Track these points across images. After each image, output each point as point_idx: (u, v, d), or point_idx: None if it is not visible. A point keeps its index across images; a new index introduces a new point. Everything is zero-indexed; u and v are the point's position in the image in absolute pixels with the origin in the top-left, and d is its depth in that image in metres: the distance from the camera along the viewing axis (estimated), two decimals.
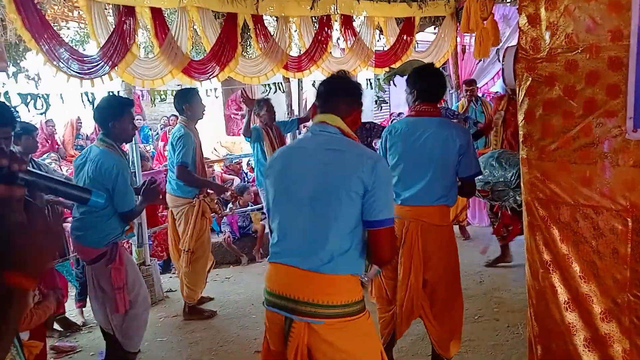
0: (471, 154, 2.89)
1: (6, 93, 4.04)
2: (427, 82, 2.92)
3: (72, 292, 4.58)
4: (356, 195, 1.90)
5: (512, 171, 3.87)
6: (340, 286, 1.93)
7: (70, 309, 4.51)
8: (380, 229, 1.93)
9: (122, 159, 3.19)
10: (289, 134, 5.72)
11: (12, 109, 4.09)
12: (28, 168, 1.20)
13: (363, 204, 1.91)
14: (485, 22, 2.89)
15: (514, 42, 6.61)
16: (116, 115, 3.16)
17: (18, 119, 3.18)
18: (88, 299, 4.38)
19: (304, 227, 1.96)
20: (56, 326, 4.28)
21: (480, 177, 3.81)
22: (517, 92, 2.26)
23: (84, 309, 4.48)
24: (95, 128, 8.82)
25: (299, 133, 6.10)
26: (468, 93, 6.19)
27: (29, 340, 2.41)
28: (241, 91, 5.37)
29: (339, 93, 2.10)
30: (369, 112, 10.71)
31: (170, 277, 5.49)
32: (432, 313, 3.00)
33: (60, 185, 1.28)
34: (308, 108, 5.64)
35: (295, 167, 2.02)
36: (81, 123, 8.70)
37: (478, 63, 7.39)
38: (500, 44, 6.74)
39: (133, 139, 4.11)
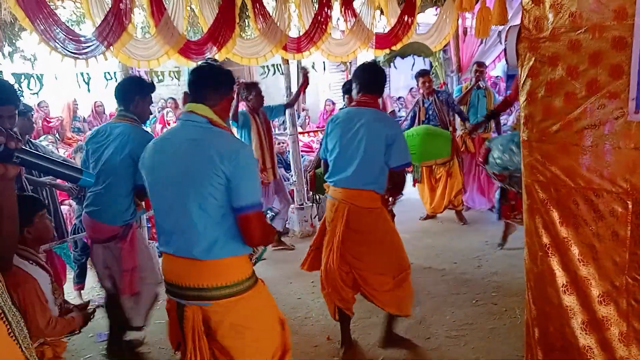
0: (400, 145, 3.03)
1: (0, 72, 3.99)
2: (368, 77, 3.15)
3: (70, 274, 4.57)
4: (219, 184, 1.96)
5: None
6: (221, 269, 2.04)
7: (69, 292, 4.50)
8: (246, 214, 1.99)
9: (149, 134, 3.19)
10: (275, 120, 5.73)
11: (16, 90, 4.05)
12: (23, 147, 1.22)
13: (228, 191, 1.98)
14: (488, 1, 2.84)
15: (514, 23, 6.53)
16: (143, 93, 3.14)
17: (22, 96, 3.16)
18: (87, 282, 4.39)
19: (177, 219, 2.04)
20: None
21: (498, 161, 3.95)
22: (520, 72, 2.22)
23: (82, 291, 4.48)
24: (92, 110, 8.77)
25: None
26: (477, 74, 6.13)
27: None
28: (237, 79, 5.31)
29: (208, 82, 2.12)
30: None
31: None
32: (368, 290, 3.19)
33: (53, 164, 1.31)
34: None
35: (162, 161, 2.08)
36: (77, 105, 8.63)
37: (479, 45, 7.31)
38: (502, 26, 6.68)
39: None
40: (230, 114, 5.02)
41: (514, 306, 3.86)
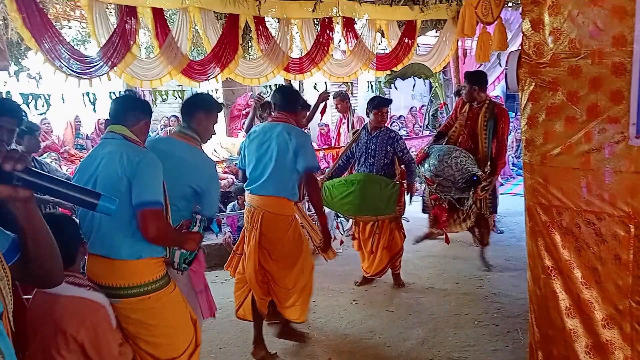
0: (307, 151, 3.33)
1: (8, 92, 4.04)
2: (281, 97, 3.50)
3: None
4: (126, 189, 2.18)
5: (462, 175, 4.40)
6: (132, 270, 2.23)
7: None
8: (141, 211, 2.16)
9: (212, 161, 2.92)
10: None
11: (21, 107, 4.09)
12: (28, 167, 1.13)
13: (130, 192, 2.20)
14: (488, 26, 2.90)
15: (515, 46, 6.61)
16: (208, 109, 2.85)
17: (25, 117, 3.14)
18: None
19: (95, 222, 2.25)
20: None
21: (432, 167, 4.50)
22: (520, 97, 2.25)
23: None
24: (95, 127, 8.82)
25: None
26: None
27: None
28: (259, 95, 5.34)
29: (126, 107, 2.45)
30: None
31: None
32: (276, 300, 3.50)
33: (64, 187, 1.17)
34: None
35: (90, 174, 2.31)
36: (80, 122, 8.67)
37: (479, 67, 7.39)
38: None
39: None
40: (246, 126, 5.12)
41: (516, 327, 3.84)
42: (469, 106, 4.77)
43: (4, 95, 4.01)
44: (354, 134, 4.85)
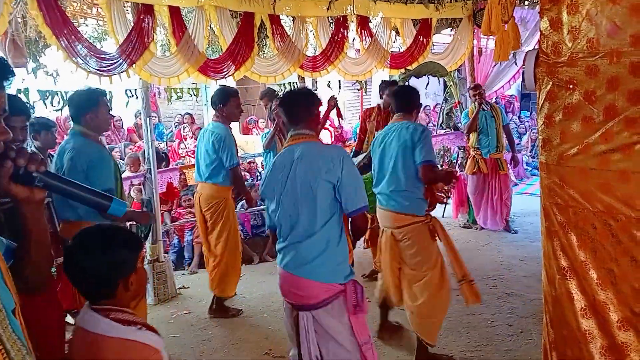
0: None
1: (26, 89, 4.10)
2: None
3: None
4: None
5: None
6: None
7: None
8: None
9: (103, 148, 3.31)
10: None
11: (28, 102, 4.15)
12: (47, 170, 1.17)
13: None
14: (505, 25, 2.87)
15: (531, 45, 6.54)
16: (91, 106, 3.10)
17: (32, 112, 3.22)
18: None
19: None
20: (71, 320, 4.33)
21: None
22: (537, 96, 2.24)
23: None
24: (111, 124, 8.91)
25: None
26: (476, 98, 6.15)
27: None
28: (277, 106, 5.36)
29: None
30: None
31: (183, 273, 5.52)
32: None
33: (80, 190, 1.24)
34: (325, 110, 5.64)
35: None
36: None
37: (494, 66, 7.34)
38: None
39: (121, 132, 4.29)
40: (265, 143, 5.19)
41: (529, 328, 3.83)
42: (377, 112, 5.17)
43: (22, 92, 4.07)
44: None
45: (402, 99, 3.59)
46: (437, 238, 3.41)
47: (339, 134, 9.46)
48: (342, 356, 2.34)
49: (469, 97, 6.94)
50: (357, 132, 5.42)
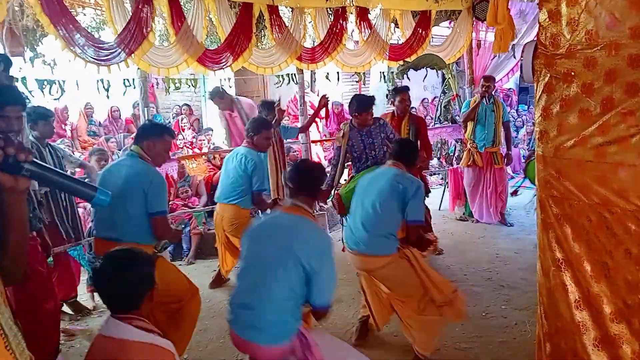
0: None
1: (24, 78, 4.08)
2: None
3: (84, 276, 4.63)
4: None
5: None
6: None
7: (82, 293, 4.56)
8: (154, 218, 3.09)
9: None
10: (287, 140, 5.77)
11: (26, 92, 4.14)
12: (34, 159, 1.19)
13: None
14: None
15: (531, 38, 6.52)
16: (155, 135, 3.14)
17: (28, 102, 3.18)
18: None
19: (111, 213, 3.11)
20: (67, 309, 4.34)
21: None
22: (535, 88, 2.24)
23: (95, 293, 4.53)
24: (108, 115, 8.89)
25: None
26: (484, 89, 6.12)
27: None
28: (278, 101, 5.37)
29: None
30: (380, 106, 10.66)
31: (180, 264, 5.53)
32: None
33: (66, 179, 1.26)
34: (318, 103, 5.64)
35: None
36: (92, 109, 8.75)
37: (493, 58, 7.32)
38: (516, 40, 6.69)
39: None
40: None
41: (524, 320, 3.85)
42: (391, 118, 5.21)
43: (19, 81, 4.05)
44: (342, 136, 4.67)
45: (406, 151, 3.50)
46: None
47: (339, 112, 9.52)
48: None
49: (471, 88, 6.94)
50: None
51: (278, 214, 2.59)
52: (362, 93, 7.25)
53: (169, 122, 9.31)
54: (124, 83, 4.84)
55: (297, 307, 2.40)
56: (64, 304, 4.30)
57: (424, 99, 11.10)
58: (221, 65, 5.07)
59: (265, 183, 4.40)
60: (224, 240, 4.53)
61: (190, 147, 7.65)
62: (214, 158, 6.66)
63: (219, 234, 4.55)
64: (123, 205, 2.94)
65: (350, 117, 4.70)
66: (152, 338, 1.88)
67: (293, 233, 2.41)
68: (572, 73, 2.09)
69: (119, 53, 4.23)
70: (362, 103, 4.47)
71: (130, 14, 4.31)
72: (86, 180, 4.04)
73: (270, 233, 2.47)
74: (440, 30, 7.85)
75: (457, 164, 7.20)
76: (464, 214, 6.77)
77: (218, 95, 6.22)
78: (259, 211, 4.73)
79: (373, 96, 4.73)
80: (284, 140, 5.47)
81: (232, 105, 6.56)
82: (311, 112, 6.11)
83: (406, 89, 5.27)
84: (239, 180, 4.32)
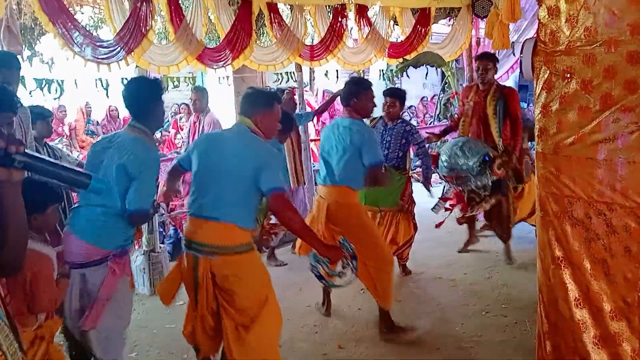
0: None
1: (22, 77, 4.06)
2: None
3: None
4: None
5: (473, 159, 4.31)
6: (235, 233, 2.63)
7: None
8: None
9: (156, 150, 3.04)
10: (301, 126, 5.72)
11: (25, 92, 4.13)
12: (26, 151, 1.18)
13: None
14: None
15: (530, 34, 6.51)
16: (154, 98, 2.86)
17: (19, 104, 3.12)
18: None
19: (217, 192, 2.68)
20: None
21: (445, 164, 4.48)
22: (535, 85, 2.23)
23: None
24: (106, 114, 8.88)
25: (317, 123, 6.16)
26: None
27: (47, 320, 2.45)
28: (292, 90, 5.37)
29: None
30: (380, 104, 10.66)
31: None
32: None
33: (59, 168, 1.25)
34: (320, 101, 5.65)
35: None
36: (90, 108, 8.75)
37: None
38: (516, 37, 6.67)
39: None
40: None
41: (524, 319, 3.83)
42: (475, 91, 4.78)
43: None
44: (370, 122, 4.56)
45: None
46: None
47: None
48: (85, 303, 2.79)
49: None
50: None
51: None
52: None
53: (168, 121, 9.31)
54: (122, 82, 4.82)
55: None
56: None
57: (423, 97, 11.10)
58: (222, 63, 5.06)
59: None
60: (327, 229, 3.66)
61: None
62: None
63: (322, 221, 3.64)
64: (232, 183, 2.64)
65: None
66: (34, 243, 2.21)
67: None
68: (572, 70, 2.08)
69: (119, 51, 4.21)
70: (359, 83, 3.86)
71: (129, 11, 4.29)
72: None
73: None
74: (440, 28, 7.83)
75: None
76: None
77: (201, 93, 5.77)
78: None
79: (398, 89, 4.86)
80: (300, 127, 5.44)
81: (203, 111, 5.79)
82: (310, 110, 6.10)
83: (492, 55, 4.97)
84: (347, 153, 3.53)
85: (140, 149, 2.70)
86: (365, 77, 8.86)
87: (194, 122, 5.83)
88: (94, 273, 2.68)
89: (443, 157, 4.57)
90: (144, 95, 2.84)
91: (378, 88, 4.75)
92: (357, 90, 3.62)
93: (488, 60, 4.73)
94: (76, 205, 2.93)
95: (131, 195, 2.63)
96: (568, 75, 2.10)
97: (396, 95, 4.63)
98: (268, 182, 2.61)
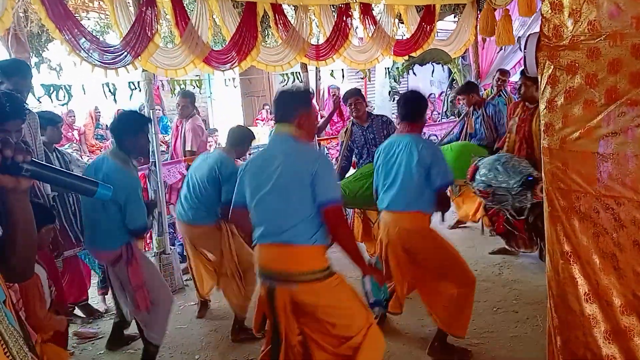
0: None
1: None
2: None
3: (95, 279, 4.66)
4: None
5: (515, 178, 4.04)
6: (311, 254, 2.44)
7: (93, 296, 4.59)
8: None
9: (134, 174, 3.30)
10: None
11: (34, 99, 4.18)
12: (33, 159, 1.20)
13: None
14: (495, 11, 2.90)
15: (536, 29, 6.48)
16: (137, 131, 3.25)
17: (27, 110, 3.19)
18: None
19: (272, 214, 2.50)
20: (79, 312, 4.38)
21: (484, 178, 4.21)
22: (539, 80, 2.22)
23: (106, 296, 4.56)
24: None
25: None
26: (499, 82, 6.11)
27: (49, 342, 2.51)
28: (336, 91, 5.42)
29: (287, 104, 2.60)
30: (386, 103, 10.64)
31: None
32: None
33: (67, 176, 1.26)
34: (325, 100, 5.66)
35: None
36: (100, 112, 8.82)
37: (499, 52, 7.28)
38: (522, 32, 6.64)
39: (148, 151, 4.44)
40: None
41: (535, 314, 3.83)
42: (522, 108, 4.58)
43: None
44: (345, 132, 4.92)
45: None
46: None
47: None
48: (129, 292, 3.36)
49: (478, 82, 6.88)
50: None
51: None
52: (367, 90, 7.23)
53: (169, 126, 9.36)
54: (130, 86, 4.87)
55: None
56: (76, 307, 4.33)
57: (430, 94, 11.06)
58: (228, 65, 5.09)
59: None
60: (404, 260, 3.40)
61: None
62: None
63: (396, 253, 3.40)
64: (289, 199, 2.42)
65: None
66: None
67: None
68: (576, 64, 2.07)
69: (125, 56, 4.25)
70: (348, 91, 4.80)
71: (135, 16, 4.33)
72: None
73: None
74: (446, 25, 7.81)
75: None
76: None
77: (191, 98, 5.53)
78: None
79: (358, 89, 4.98)
80: None
81: (187, 117, 5.52)
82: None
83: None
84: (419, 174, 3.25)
85: (121, 177, 3.11)
86: (372, 76, 8.87)
87: (177, 127, 5.69)
88: (119, 270, 3.30)
89: (482, 171, 4.28)
90: (128, 128, 3.23)
91: (384, 86, 4.77)
92: (426, 106, 3.50)
93: (526, 78, 4.52)
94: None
95: (128, 218, 3.13)
96: (572, 70, 2.09)
97: (357, 94, 4.80)
98: (324, 193, 2.37)
